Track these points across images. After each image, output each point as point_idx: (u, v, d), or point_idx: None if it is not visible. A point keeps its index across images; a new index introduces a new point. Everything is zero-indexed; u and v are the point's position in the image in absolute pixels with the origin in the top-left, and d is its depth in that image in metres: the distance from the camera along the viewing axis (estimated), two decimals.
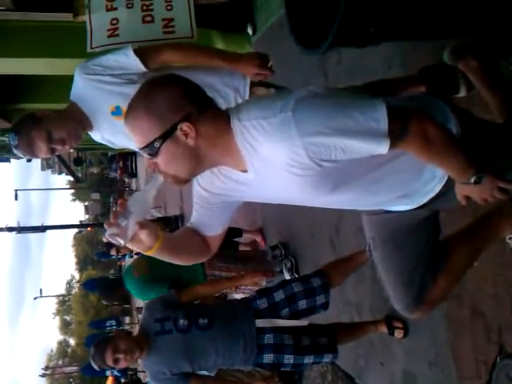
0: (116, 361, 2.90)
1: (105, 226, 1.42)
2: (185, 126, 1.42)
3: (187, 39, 2.67)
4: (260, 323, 2.99)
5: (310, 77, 4.46)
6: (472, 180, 1.55)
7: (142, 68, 2.28)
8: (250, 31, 6.12)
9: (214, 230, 1.75)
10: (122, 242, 1.42)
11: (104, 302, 5.18)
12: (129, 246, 1.49)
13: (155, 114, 1.42)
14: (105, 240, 1.46)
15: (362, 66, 3.58)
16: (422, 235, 1.90)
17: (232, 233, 5.21)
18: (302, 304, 3.07)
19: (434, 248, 1.93)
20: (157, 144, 1.43)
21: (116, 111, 2.34)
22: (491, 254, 2.47)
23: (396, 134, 1.41)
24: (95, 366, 3.01)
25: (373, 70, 3.45)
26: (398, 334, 3.33)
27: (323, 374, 4.29)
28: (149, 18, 2.72)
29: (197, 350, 2.92)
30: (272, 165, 1.45)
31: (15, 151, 2.37)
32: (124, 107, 2.30)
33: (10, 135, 2.34)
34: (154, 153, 1.45)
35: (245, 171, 1.52)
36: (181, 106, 1.43)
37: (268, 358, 2.96)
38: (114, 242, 1.42)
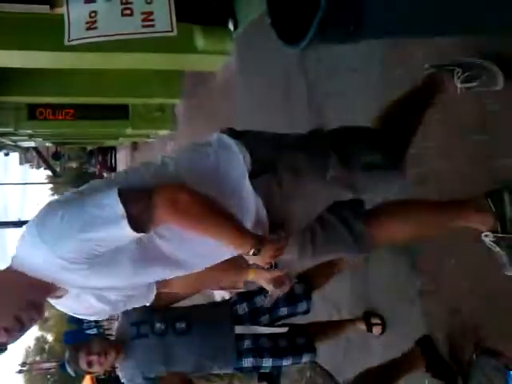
0: (90, 363, 2.81)
1: None
2: None
3: (167, 33, 2.64)
4: (239, 329, 2.96)
5: (290, 74, 4.46)
6: (251, 253, 1.61)
7: None
8: (231, 26, 6.09)
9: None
10: None
11: None
12: None
13: None
14: None
15: (342, 64, 3.58)
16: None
17: None
18: (283, 311, 3.05)
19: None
20: None
21: None
22: (468, 251, 2.50)
23: (144, 212, 1.44)
24: (70, 371, 2.94)
25: (352, 68, 3.46)
26: (376, 330, 3.35)
27: (302, 371, 4.29)
28: (128, 12, 2.69)
29: (174, 355, 2.86)
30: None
31: None
32: None
33: None
34: None
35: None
36: None
37: (247, 361, 2.94)
38: None
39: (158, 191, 1.47)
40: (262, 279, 2.26)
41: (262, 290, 3.09)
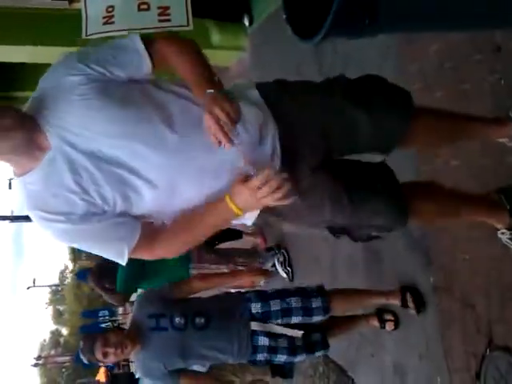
0: (105, 354, 2.84)
1: None
2: None
3: (183, 27, 2.66)
4: (254, 326, 2.95)
5: (304, 65, 4.45)
6: (209, 91, 1.63)
7: None
8: (246, 22, 6.09)
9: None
10: None
11: (91, 283, 4.88)
12: None
13: None
14: None
15: (358, 56, 3.57)
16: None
17: (231, 235, 5.04)
18: (297, 319, 3.01)
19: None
20: None
21: None
22: (482, 247, 2.49)
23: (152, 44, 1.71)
24: (84, 360, 2.97)
25: (368, 61, 3.45)
26: (389, 326, 3.35)
27: (315, 366, 4.31)
28: (145, 6, 2.72)
29: (191, 349, 2.88)
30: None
31: None
32: None
33: None
34: None
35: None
36: None
37: (261, 356, 2.95)
38: None
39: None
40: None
41: (278, 295, 3.08)
